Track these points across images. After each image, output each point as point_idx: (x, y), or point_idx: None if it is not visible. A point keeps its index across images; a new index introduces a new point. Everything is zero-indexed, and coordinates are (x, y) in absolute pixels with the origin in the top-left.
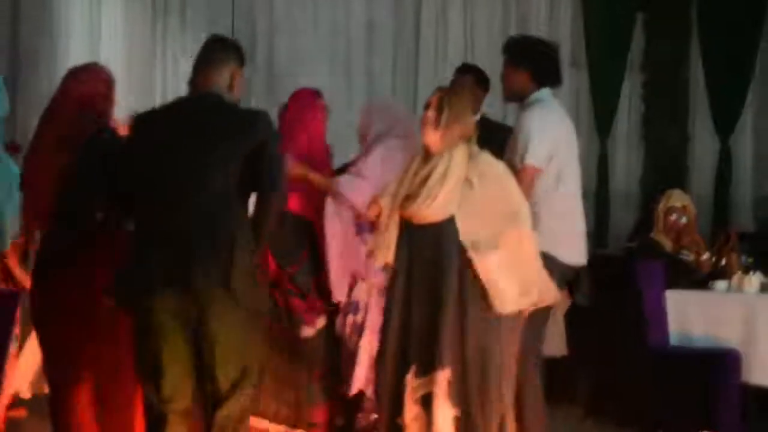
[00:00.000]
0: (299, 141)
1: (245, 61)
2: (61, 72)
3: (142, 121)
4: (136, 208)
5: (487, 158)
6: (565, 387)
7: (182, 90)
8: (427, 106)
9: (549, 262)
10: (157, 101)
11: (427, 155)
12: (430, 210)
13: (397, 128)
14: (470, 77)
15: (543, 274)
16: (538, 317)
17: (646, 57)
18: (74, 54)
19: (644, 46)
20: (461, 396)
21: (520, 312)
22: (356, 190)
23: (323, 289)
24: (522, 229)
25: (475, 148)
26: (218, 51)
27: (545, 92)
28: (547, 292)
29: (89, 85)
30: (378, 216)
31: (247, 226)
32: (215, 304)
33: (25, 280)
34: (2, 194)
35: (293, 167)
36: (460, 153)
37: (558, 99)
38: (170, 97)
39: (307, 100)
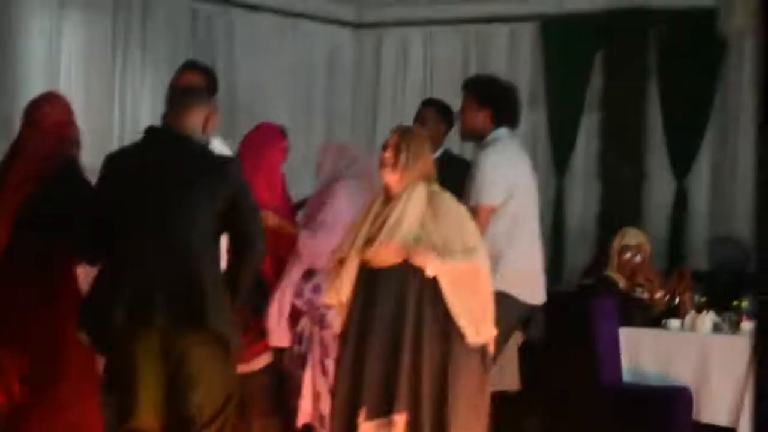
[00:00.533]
0: (258, 180)
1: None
2: (19, 99)
3: (111, 162)
4: (105, 247)
5: (446, 198)
6: (517, 422)
7: (142, 119)
8: (385, 147)
9: (507, 301)
10: (116, 129)
11: (387, 197)
12: (387, 253)
13: (355, 167)
14: (433, 110)
15: (490, 313)
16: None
17: (604, 95)
18: (33, 82)
19: (602, 84)
20: None
21: (485, 351)
22: (319, 246)
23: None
24: (477, 265)
25: (435, 187)
26: (195, 93)
27: (503, 132)
28: (486, 332)
29: (56, 114)
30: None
31: (216, 268)
32: (186, 342)
33: None
34: None
35: (267, 218)
36: (418, 193)
37: (516, 136)
38: (129, 126)
39: (270, 137)
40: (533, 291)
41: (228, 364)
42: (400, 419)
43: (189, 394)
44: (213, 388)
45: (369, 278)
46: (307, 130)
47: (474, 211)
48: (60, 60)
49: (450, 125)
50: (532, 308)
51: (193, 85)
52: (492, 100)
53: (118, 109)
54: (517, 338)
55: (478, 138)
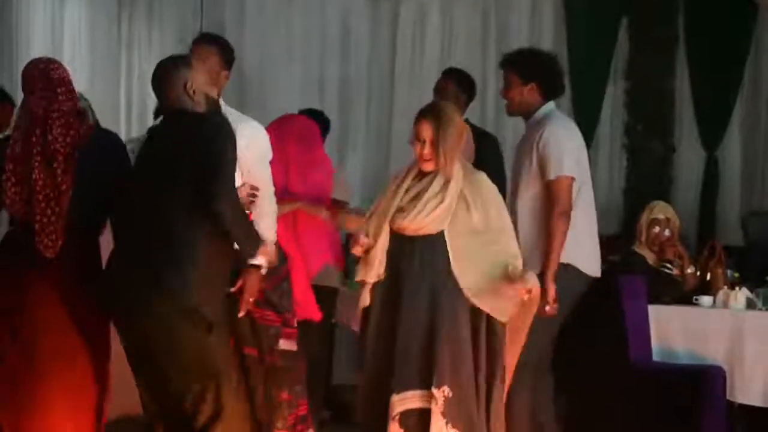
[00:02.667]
0: (316, 179)
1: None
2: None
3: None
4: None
5: (481, 178)
6: None
7: (149, 92)
8: (419, 138)
9: (570, 272)
10: (123, 104)
11: (420, 171)
12: (424, 222)
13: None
14: (452, 82)
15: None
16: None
17: (630, 65)
18: (35, 56)
19: (628, 53)
20: (455, 414)
21: (522, 323)
22: None
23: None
24: (503, 246)
25: (469, 165)
26: (161, 67)
27: (552, 105)
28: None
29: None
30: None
31: (210, 240)
32: (169, 322)
33: None
34: None
35: (349, 222)
36: (456, 171)
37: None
38: (136, 99)
39: (313, 134)
40: (593, 262)
41: (209, 341)
42: (439, 393)
43: (168, 374)
44: (190, 367)
45: (400, 246)
46: (321, 101)
47: (556, 185)
48: (63, 34)
49: (471, 96)
50: (592, 281)
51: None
52: (536, 73)
53: (125, 82)
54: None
55: (525, 113)
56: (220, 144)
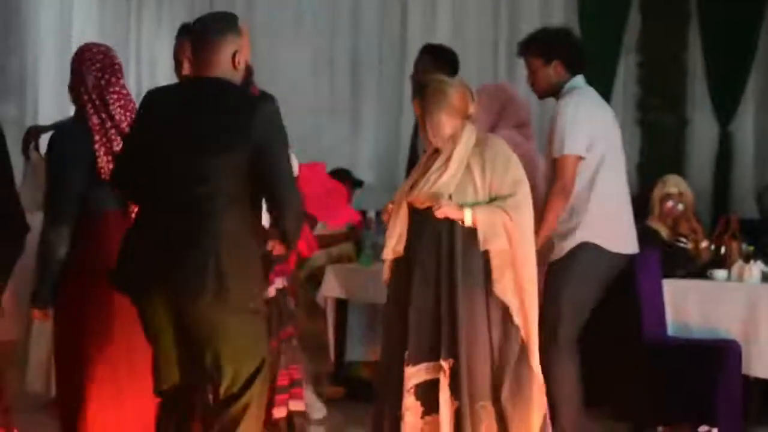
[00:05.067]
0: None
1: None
2: (30, 55)
3: (149, 99)
4: (135, 199)
5: (494, 144)
6: None
7: (158, 77)
8: (422, 118)
9: (595, 253)
10: (133, 89)
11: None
12: (430, 192)
13: (510, 114)
14: (429, 58)
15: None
16: None
17: (642, 38)
18: (45, 38)
19: (640, 26)
20: (461, 387)
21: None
22: None
23: None
24: (514, 212)
25: (486, 133)
26: (218, 29)
27: (579, 79)
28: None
29: None
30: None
31: (247, 225)
32: (201, 308)
33: None
34: None
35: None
36: (465, 138)
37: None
38: (146, 84)
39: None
40: (621, 240)
41: (242, 333)
42: (447, 365)
43: (205, 360)
44: (234, 355)
45: (414, 221)
46: (332, 74)
47: (559, 162)
48: (72, 17)
49: (453, 71)
50: (625, 258)
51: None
52: (556, 51)
53: (134, 65)
54: None
55: (554, 93)
56: (279, 139)
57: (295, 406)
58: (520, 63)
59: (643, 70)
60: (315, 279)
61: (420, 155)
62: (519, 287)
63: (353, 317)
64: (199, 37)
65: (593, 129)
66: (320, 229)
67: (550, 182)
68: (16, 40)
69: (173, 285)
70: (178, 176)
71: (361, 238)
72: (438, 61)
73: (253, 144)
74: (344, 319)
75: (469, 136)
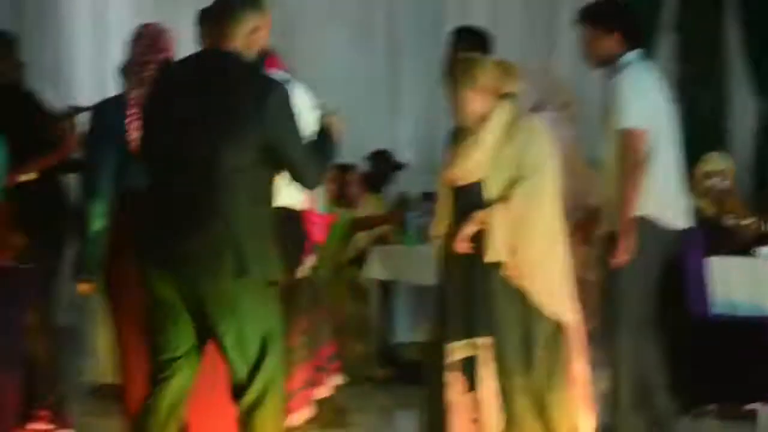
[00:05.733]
0: None
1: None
2: (65, 46)
3: (165, 75)
4: (149, 173)
5: (525, 124)
6: None
7: None
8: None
9: (647, 226)
10: None
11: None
12: (461, 171)
13: (555, 95)
14: (456, 40)
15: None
16: None
17: (679, 15)
18: (79, 30)
19: (678, 3)
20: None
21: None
22: None
23: None
24: (532, 189)
25: (521, 112)
26: (240, 1)
27: (634, 55)
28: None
29: None
30: None
31: (254, 202)
32: (211, 282)
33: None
34: None
35: None
36: (497, 116)
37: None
38: None
39: None
40: (677, 214)
41: (259, 305)
42: (483, 342)
43: (219, 333)
44: (246, 327)
45: (453, 199)
46: (369, 50)
47: (625, 138)
48: (107, 3)
49: (485, 53)
50: (677, 233)
51: None
52: (618, 23)
53: None
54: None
55: (609, 64)
56: (292, 125)
57: (335, 381)
58: (559, 41)
59: (682, 47)
60: (359, 261)
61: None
62: (531, 270)
63: (399, 299)
64: (220, 6)
65: (653, 102)
66: (363, 211)
67: (621, 159)
68: (51, 27)
69: (186, 259)
70: (189, 150)
71: (405, 219)
72: (469, 42)
73: (266, 122)
74: (390, 301)
75: (500, 115)
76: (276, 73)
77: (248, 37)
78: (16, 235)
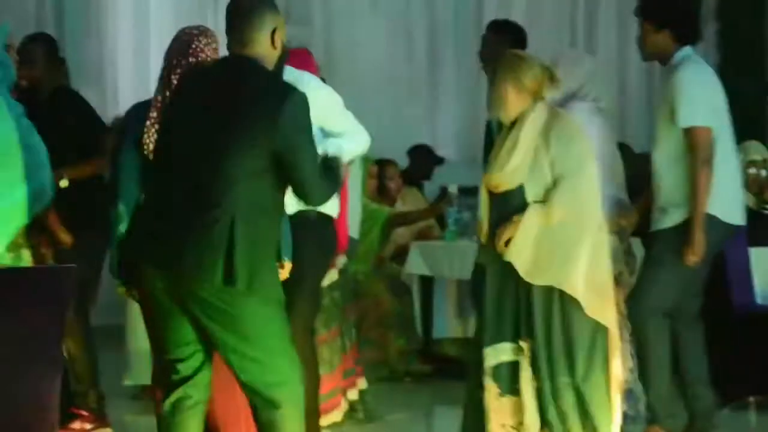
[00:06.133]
0: None
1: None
2: (108, 44)
3: (182, 79)
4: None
5: (561, 121)
6: None
7: None
8: (491, 84)
9: (710, 222)
10: None
11: (511, 124)
12: (500, 179)
13: (588, 86)
14: (492, 34)
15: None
16: None
17: (720, 4)
18: (121, 27)
19: None
20: (541, 365)
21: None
22: None
23: None
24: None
25: (558, 109)
26: (256, 4)
27: (688, 51)
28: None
29: None
30: None
31: (257, 213)
32: (208, 290)
33: (66, 240)
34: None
35: None
36: (533, 119)
37: (629, 55)
38: None
39: None
40: (734, 210)
41: (259, 322)
42: (527, 345)
43: (214, 339)
44: (250, 341)
45: (491, 204)
46: (409, 51)
47: (691, 135)
48: (149, 2)
49: (520, 46)
50: (733, 230)
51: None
52: (669, 20)
53: None
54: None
55: (660, 59)
56: (305, 138)
57: (361, 384)
58: (599, 37)
59: (722, 37)
60: (400, 256)
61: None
62: (575, 271)
63: (439, 294)
64: (236, 12)
65: (714, 99)
66: (401, 206)
67: (690, 156)
68: (94, 26)
69: (181, 265)
70: (196, 156)
71: (445, 215)
72: (504, 37)
73: (278, 130)
74: (430, 296)
75: (536, 118)
76: (302, 75)
77: (268, 39)
78: (63, 235)
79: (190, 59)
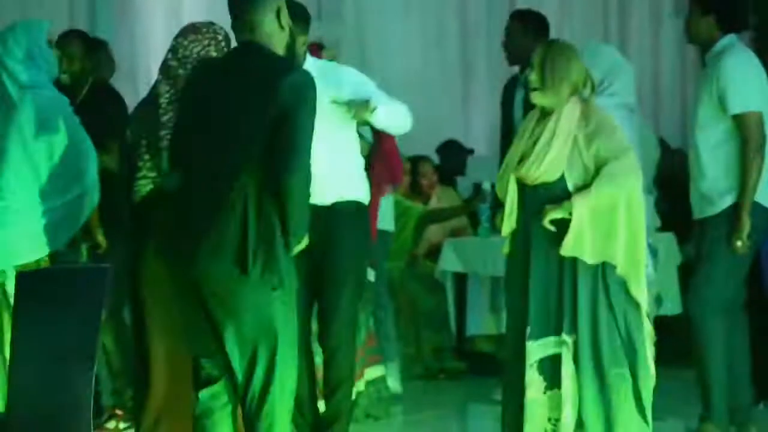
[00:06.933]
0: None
1: None
2: (141, 45)
3: (194, 71)
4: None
5: (596, 113)
6: (679, 347)
7: None
8: (531, 67)
9: (757, 210)
10: None
11: (542, 113)
12: (540, 171)
13: (611, 76)
14: (517, 24)
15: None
16: None
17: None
18: (155, 28)
19: None
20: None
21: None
22: None
23: None
24: (618, 184)
25: (592, 103)
26: None
27: (734, 38)
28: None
29: None
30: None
31: (272, 196)
32: (219, 280)
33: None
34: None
35: None
36: (569, 111)
37: (663, 50)
38: None
39: None
40: None
41: (271, 299)
42: (570, 339)
43: (223, 334)
44: (248, 327)
45: (525, 196)
46: (442, 53)
47: (743, 122)
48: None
49: (544, 37)
50: None
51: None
52: (715, 5)
53: None
54: (676, 260)
55: (703, 45)
56: (307, 107)
57: (368, 374)
58: (632, 31)
59: (759, 30)
60: (433, 254)
61: (516, 126)
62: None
63: (473, 291)
64: (237, 0)
65: (760, 85)
66: (435, 203)
67: (741, 142)
68: (126, 23)
69: (195, 255)
70: (206, 148)
71: (478, 211)
72: (527, 26)
73: (277, 98)
74: (464, 293)
75: (572, 110)
76: (326, 62)
77: (274, 20)
78: (100, 237)
79: (171, 62)
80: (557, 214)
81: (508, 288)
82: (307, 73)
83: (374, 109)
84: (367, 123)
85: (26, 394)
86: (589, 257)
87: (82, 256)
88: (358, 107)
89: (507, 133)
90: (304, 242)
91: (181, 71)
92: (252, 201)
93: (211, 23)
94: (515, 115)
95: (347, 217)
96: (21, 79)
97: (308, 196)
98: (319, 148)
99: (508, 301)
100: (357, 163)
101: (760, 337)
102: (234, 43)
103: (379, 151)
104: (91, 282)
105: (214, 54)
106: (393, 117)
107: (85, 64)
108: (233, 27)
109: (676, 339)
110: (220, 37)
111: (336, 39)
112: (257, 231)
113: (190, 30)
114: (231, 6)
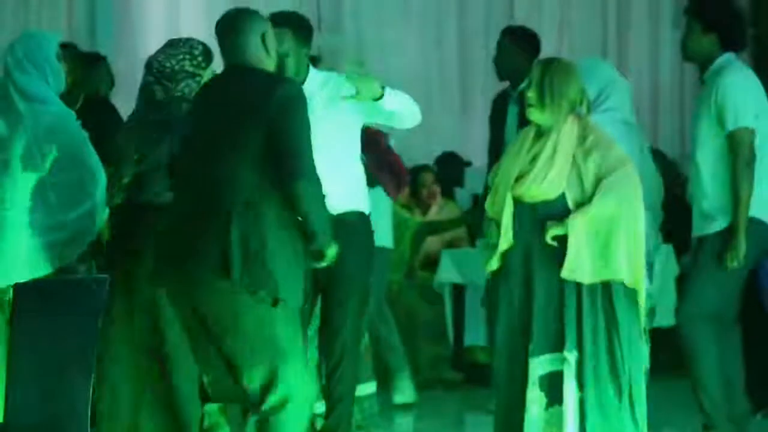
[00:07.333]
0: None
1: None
2: (140, 52)
3: (198, 94)
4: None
5: (592, 128)
6: (675, 356)
7: None
8: (529, 84)
9: (757, 227)
10: None
11: (539, 131)
12: (540, 189)
13: (607, 92)
14: (508, 41)
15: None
16: None
17: (755, 10)
18: (152, 47)
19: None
20: (587, 376)
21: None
22: None
23: None
24: (615, 196)
25: (588, 120)
26: (241, 14)
27: (732, 56)
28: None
29: None
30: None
31: (267, 215)
32: (213, 294)
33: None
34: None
35: None
36: (568, 129)
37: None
38: None
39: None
40: None
41: (272, 316)
42: (572, 356)
43: (228, 354)
44: (252, 346)
45: (522, 214)
46: (440, 59)
47: (735, 137)
48: (180, 17)
49: (535, 54)
50: None
51: None
52: (718, 24)
53: None
54: (674, 272)
55: (702, 62)
56: (299, 114)
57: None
58: (630, 41)
59: (757, 44)
60: (431, 265)
61: (507, 139)
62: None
63: (471, 302)
64: (222, 27)
65: (758, 101)
66: (435, 214)
67: (732, 158)
68: (125, 41)
69: (187, 270)
70: (199, 164)
71: (476, 222)
72: (518, 43)
73: (269, 114)
74: (462, 304)
75: (571, 128)
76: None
77: (260, 45)
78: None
79: (147, 78)
80: (560, 230)
81: (493, 304)
82: (295, 83)
83: (383, 88)
84: (377, 112)
85: (24, 404)
86: (588, 278)
87: (92, 271)
88: (368, 85)
89: (495, 148)
90: (334, 249)
91: (156, 87)
92: (238, 214)
93: (189, 39)
94: (508, 131)
95: (350, 228)
96: (28, 92)
97: (322, 199)
98: (320, 160)
99: (494, 317)
100: (359, 173)
101: (756, 349)
102: (217, 58)
103: (383, 162)
104: (88, 292)
105: (189, 68)
106: (401, 102)
107: (76, 78)
108: (221, 53)
109: (672, 350)
110: (197, 52)
111: (335, 50)
112: (241, 243)
113: (167, 45)
114: (217, 32)
